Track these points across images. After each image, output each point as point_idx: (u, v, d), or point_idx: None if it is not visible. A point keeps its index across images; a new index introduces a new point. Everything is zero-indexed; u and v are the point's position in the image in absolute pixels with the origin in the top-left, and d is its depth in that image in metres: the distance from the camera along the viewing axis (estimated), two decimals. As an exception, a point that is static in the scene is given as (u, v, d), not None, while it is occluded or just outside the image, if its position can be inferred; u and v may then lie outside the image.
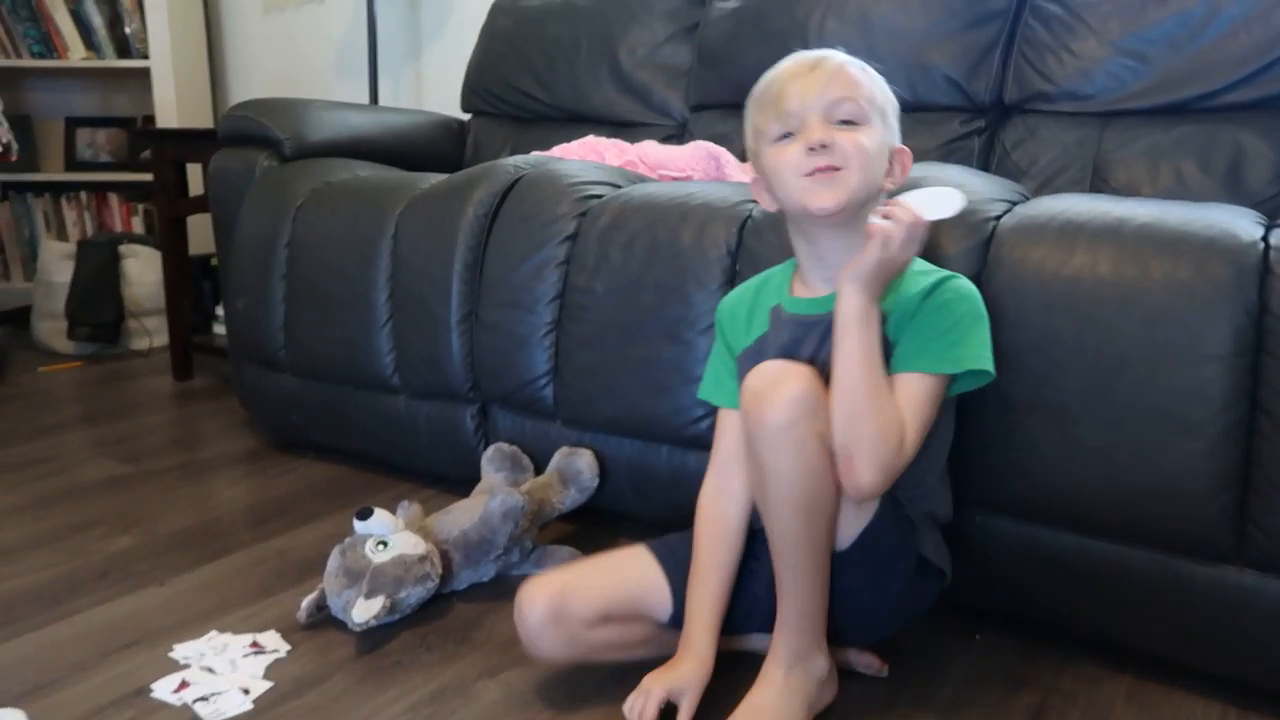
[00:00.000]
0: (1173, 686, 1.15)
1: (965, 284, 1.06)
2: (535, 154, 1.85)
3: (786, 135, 1.04)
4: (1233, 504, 1.04)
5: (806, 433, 0.97)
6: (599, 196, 1.55)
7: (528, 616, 1.08)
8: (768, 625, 1.07)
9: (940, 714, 1.10)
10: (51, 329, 2.79)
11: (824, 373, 1.03)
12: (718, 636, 1.09)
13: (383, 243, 1.69)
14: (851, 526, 1.04)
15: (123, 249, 2.81)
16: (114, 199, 3.27)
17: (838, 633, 1.11)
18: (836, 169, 1.01)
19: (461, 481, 1.63)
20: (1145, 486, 1.08)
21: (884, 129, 1.06)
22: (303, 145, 2.00)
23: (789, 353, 1.07)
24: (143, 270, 2.83)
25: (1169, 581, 1.11)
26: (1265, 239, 1.06)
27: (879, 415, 0.98)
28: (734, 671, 1.08)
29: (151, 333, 2.82)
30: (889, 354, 1.03)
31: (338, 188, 1.84)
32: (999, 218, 1.22)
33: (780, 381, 0.98)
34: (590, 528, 1.56)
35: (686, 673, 1.05)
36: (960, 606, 1.30)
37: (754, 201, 1.31)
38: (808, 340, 1.08)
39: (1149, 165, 1.63)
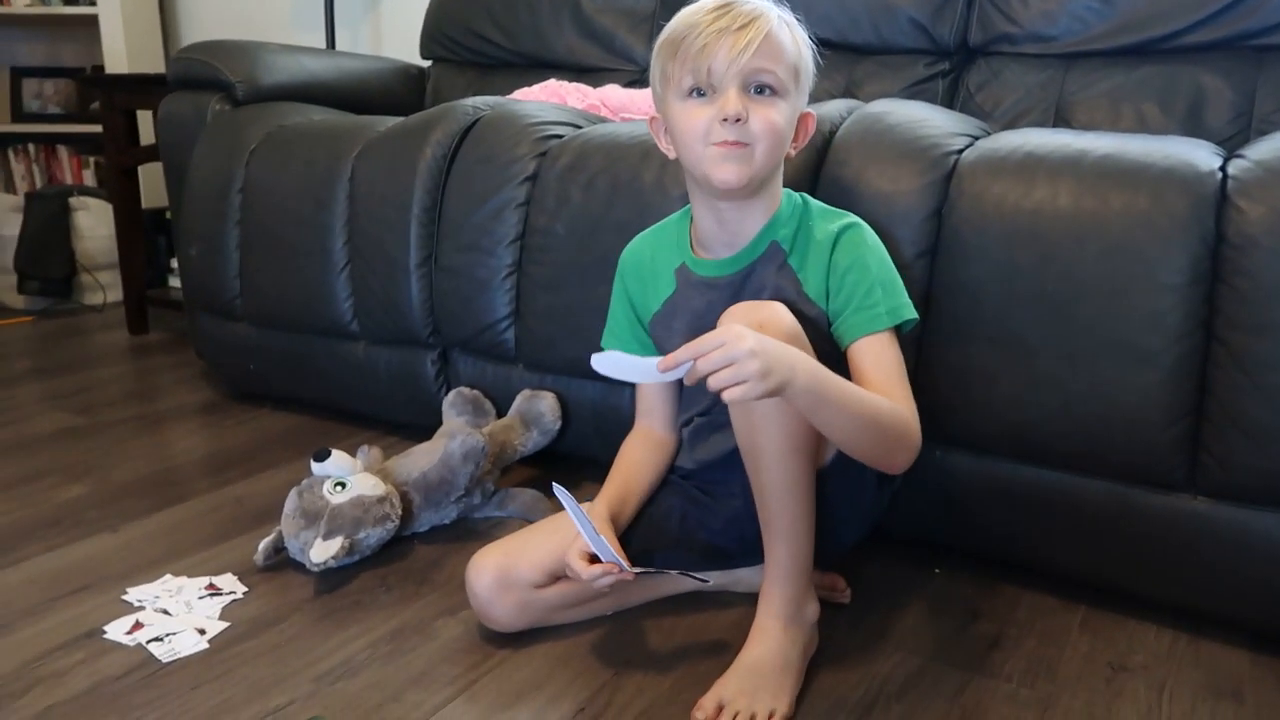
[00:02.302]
0: (1126, 615, 1.17)
1: (867, 231, 1.06)
2: (494, 97, 1.81)
3: (698, 91, 0.99)
4: (1186, 433, 1.06)
5: None
6: (559, 137, 1.52)
7: (476, 586, 1.07)
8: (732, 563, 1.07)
9: (899, 645, 1.11)
10: (2, 284, 2.72)
11: None
12: (610, 524, 1.06)
13: (339, 186, 1.66)
14: (831, 444, 1.03)
15: (73, 201, 2.73)
16: (63, 151, 3.17)
17: (817, 553, 1.12)
18: (745, 145, 0.98)
19: (423, 428, 1.61)
20: (1101, 417, 1.08)
21: (798, 97, 1.03)
22: (256, 89, 1.95)
23: (704, 318, 1.04)
24: (94, 223, 2.75)
25: (1124, 511, 1.12)
26: (1223, 169, 1.07)
27: (890, 424, 0.95)
28: (715, 622, 1.08)
29: (105, 287, 2.75)
30: (828, 323, 1.04)
31: (292, 131, 1.80)
32: (960, 152, 1.21)
33: (765, 321, 0.92)
34: (554, 471, 1.55)
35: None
36: (921, 541, 1.31)
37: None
38: (718, 302, 1.04)
39: (1111, 107, 1.63)
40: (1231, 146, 1.17)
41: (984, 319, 1.14)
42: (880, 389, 0.99)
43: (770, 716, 0.95)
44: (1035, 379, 1.12)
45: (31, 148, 3.15)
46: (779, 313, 0.95)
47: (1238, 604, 1.10)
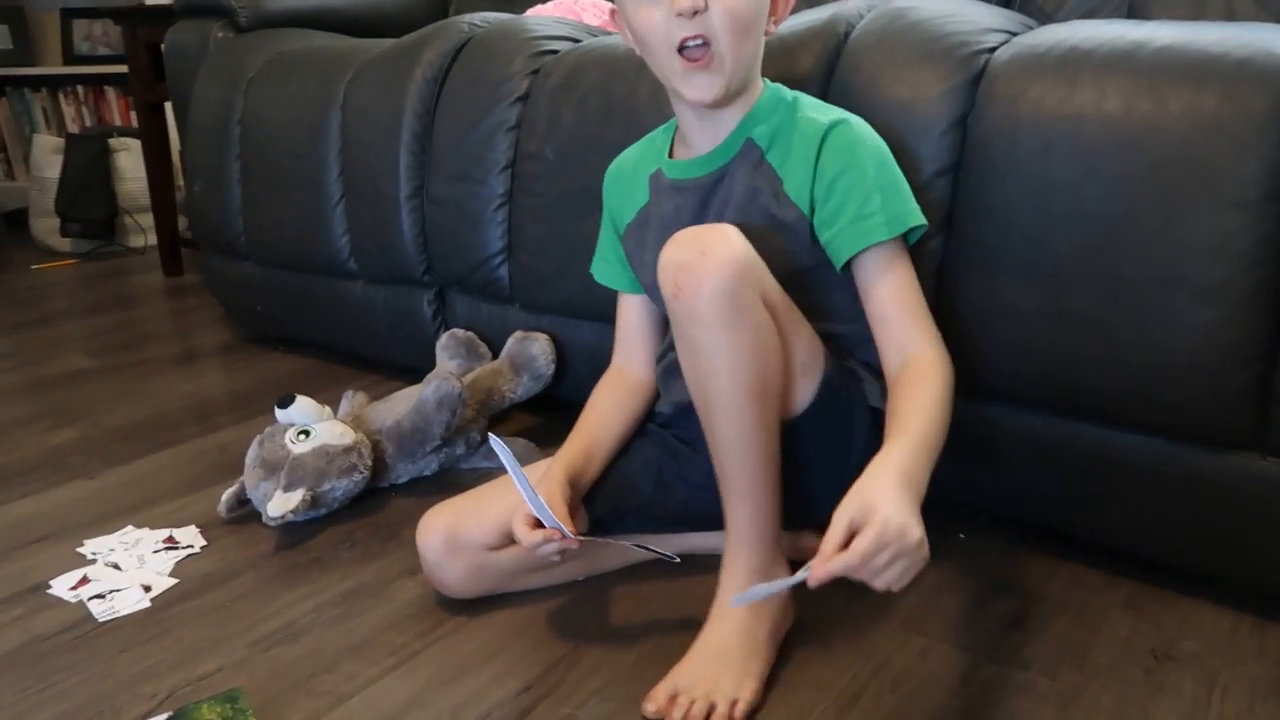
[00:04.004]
0: (1179, 594, 1.00)
1: (861, 127, 0.93)
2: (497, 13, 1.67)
3: None
4: (1255, 381, 0.87)
5: (751, 301, 0.82)
6: (555, 52, 1.38)
7: (424, 549, 0.99)
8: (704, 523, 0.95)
9: (903, 623, 0.97)
10: (47, 226, 2.73)
11: None
12: (570, 485, 0.95)
13: (331, 115, 1.56)
14: (806, 387, 0.90)
15: (113, 143, 2.72)
16: (111, 93, 3.16)
17: (796, 514, 0.98)
18: (707, 45, 0.87)
19: (424, 371, 1.51)
20: (1153, 362, 0.91)
21: None
22: (261, 14, 1.86)
23: (670, 226, 0.94)
24: (136, 165, 2.73)
25: (1179, 473, 0.94)
26: (1314, 58, 0.86)
27: (949, 404, 0.85)
28: (699, 589, 0.96)
29: (146, 229, 2.74)
30: (809, 227, 0.92)
31: (290, 57, 1.70)
32: (993, 50, 1.02)
33: (707, 248, 0.81)
34: (549, 419, 1.44)
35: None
36: (943, 503, 1.15)
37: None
38: (686, 208, 0.97)
39: (1195, 1, 1.40)
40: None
41: (1014, 247, 0.96)
42: (902, 325, 0.89)
43: (733, 706, 0.82)
44: (1077, 318, 0.94)
45: (80, 90, 3.15)
46: (727, 238, 0.82)
47: (1314, 585, 0.93)
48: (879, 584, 0.71)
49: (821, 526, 1.04)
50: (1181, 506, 0.96)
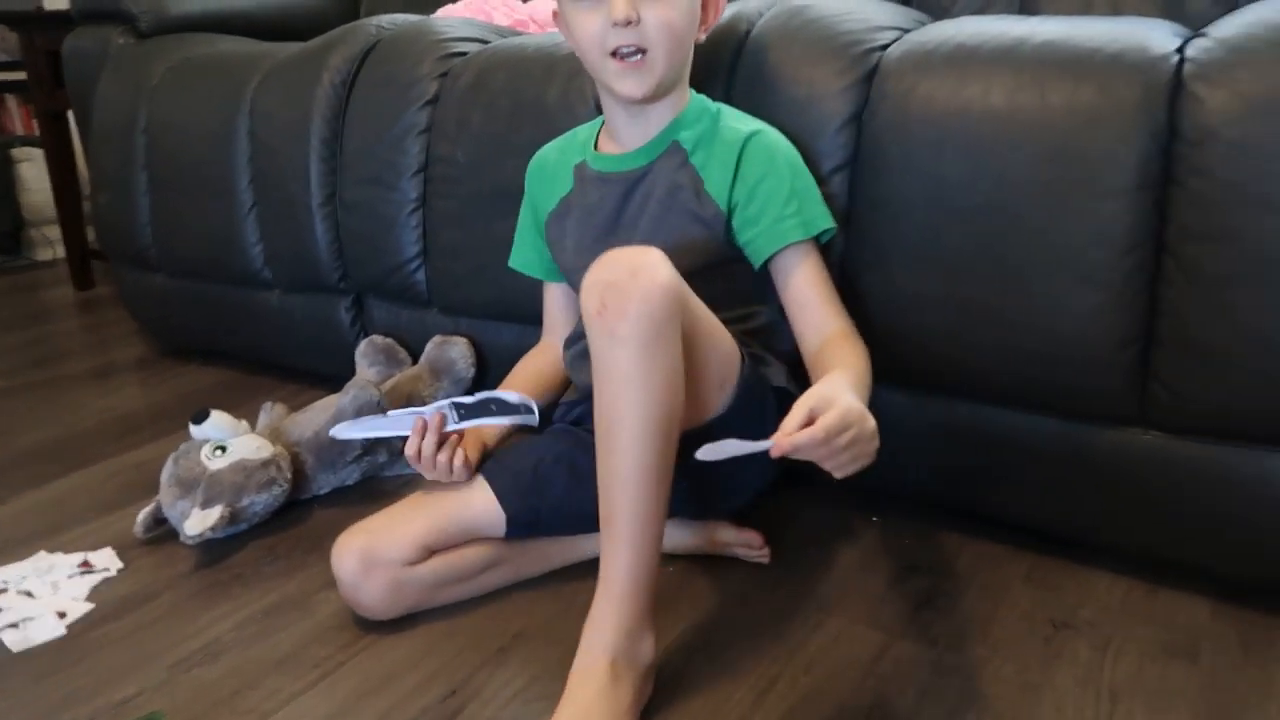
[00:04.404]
0: (1077, 564, 1.05)
1: (778, 138, 1.00)
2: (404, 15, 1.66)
3: None
4: (1136, 360, 0.92)
5: (673, 334, 0.82)
6: (464, 54, 1.38)
7: (341, 571, 0.96)
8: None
9: (819, 607, 1.00)
10: (-52, 242, 2.64)
11: (629, 237, 0.99)
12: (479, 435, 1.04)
13: (239, 121, 1.53)
14: (723, 397, 0.92)
15: (15, 153, 2.63)
16: (11, 101, 3.05)
17: (709, 504, 1.01)
18: (642, 51, 0.93)
19: (345, 380, 1.50)
20: (1042, 344, 0.95)
21: None
22: (162, 19, 1.81)
23: (593, 214, 1.02)
24: (40, 175, 2.65)
25: (1071, 449, 0.99)
26: (1181, 50, 0.91)
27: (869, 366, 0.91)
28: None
29: (54, 242, 2.66)
30: (725, 224, 0.98)
31: (195, 63, 1.67)
32: (885, 47, 1.06)
33: (638, 270, 0.80)
34: (475, 422, 1.44)
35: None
36: (859, 487, 1.19)
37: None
38: (609, 198, 1.02)
39: (1082, -7, 1.45)
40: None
41: (909, 239, 1.00)
42: (817, 308, 0.96)
43: None
44: (970, 305, 0.98)
45: (-22, 98, 3.04)
46: (657, 263, 0.82)
47: (1197, 549, 0.98)
48: (832, 464, 0.73)
49: (732, 517, 1.08)
50: (1075, 481, 1.01)
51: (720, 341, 0.91)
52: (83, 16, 1.86)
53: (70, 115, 2.30)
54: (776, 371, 1.00)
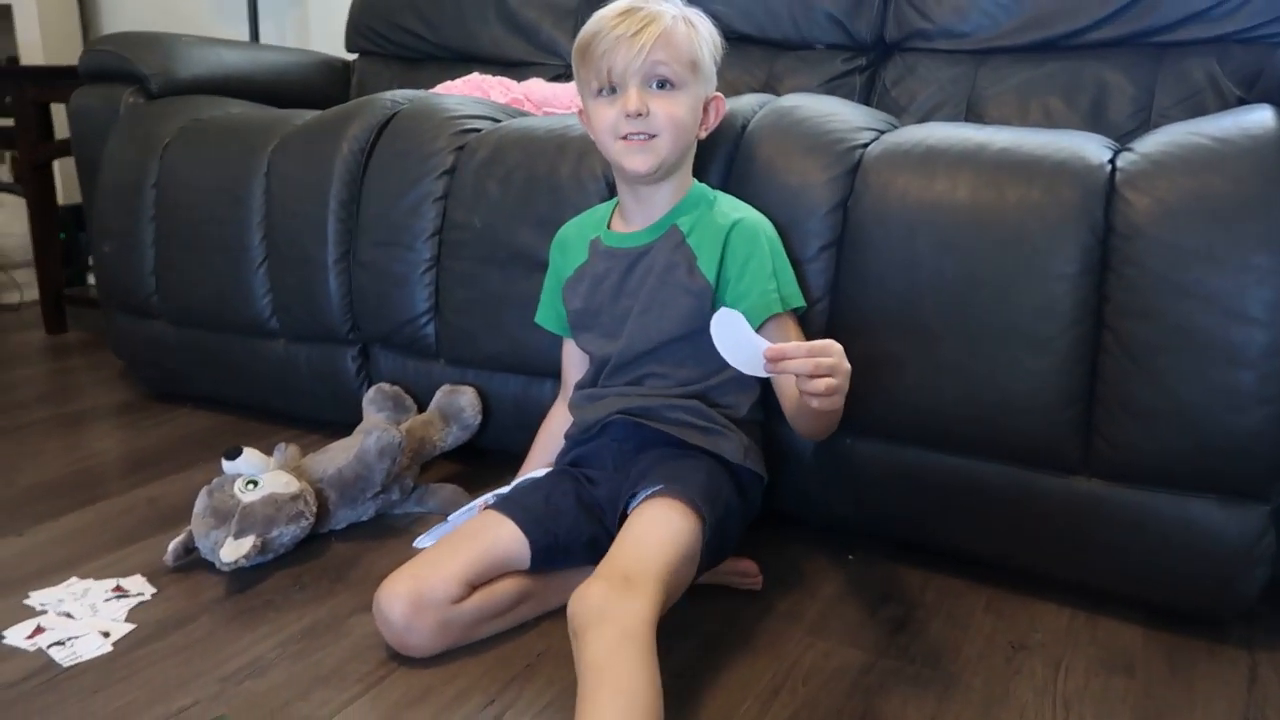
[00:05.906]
0: (1029, 596, 1.20)
1: (764, 223, 1.17)
2: (414, 91, 1.80)
3: (606, 90, 1.12)
4: (1079, 417, 1.09)
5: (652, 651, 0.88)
6: (477, 130, 1.52)
7: (391, 614, 1.02)
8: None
9: (808, 630, 1.13)
10: (-89, 284, 2.63)
11: (630, 304, 1.17)
12: None
13: (255, 181, 1.63)
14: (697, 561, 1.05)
15: (-15, 198, 2.66)
16: (-21, 147, 3.07)
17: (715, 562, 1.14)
18: (652, 136, 1.11)
19: (345, 426, 1.58)
20: (1000, 402, 1.11)
21: (700, 86, 1.14)
22: (171, 82, 1.91)
23: (599, 281, 1.20)
24: (9, 220, 2.68)
25: (1023, 493, 1.15)
26: (1112, 161, 1.10)
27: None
28: None
29: (22, 285, 2.68)
30: (711, 295, 1.13)
31: (208, 125, 1.77)
32: (866, 146, 1.23)
33: (633, 577, 0.93)
34: (475, 466, 1.55)
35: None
36: (836, 528, 1.34)
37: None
38: (615, 270, 1.19)
39: (1019, 101, 1.67)
40: (1131, 140, 1.20)
41: (889, 309, 1.16)
42: None
43: None
44: (939, 366, 1.14)
45: (-56, 143, 3.04)
46: (651, 576, 0.96)
47: (1131, 582, 1.14)
48: (816, 385, 0.91)
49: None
50: (1027, 521, 1.17)
51: (690, 565, 1.02)
52: (90, 75, 1.94)
53: (55, 165, 2.36)
54: (734, 446, 1.13)
